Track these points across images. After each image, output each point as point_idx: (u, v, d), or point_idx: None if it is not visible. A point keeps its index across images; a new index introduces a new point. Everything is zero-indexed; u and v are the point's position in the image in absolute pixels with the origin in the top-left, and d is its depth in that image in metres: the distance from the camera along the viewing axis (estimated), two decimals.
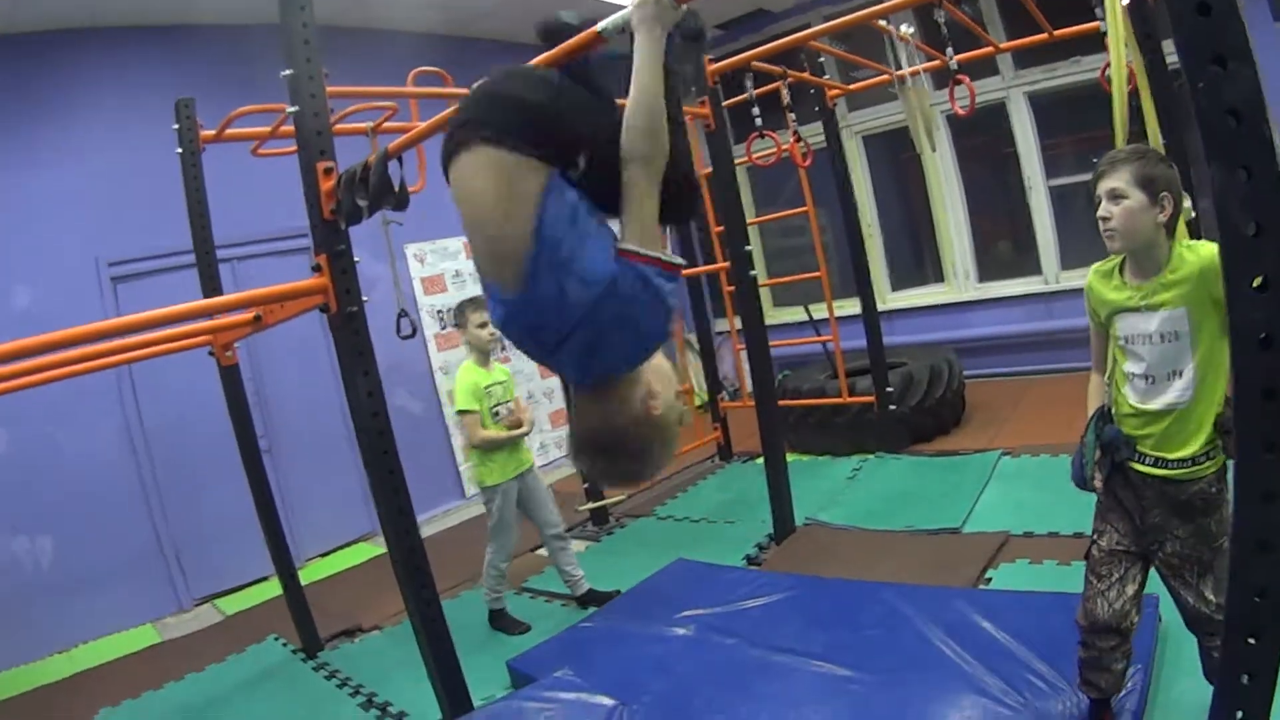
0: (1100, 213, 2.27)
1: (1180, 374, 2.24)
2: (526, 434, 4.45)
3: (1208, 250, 2.16)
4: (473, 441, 4.39)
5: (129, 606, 5.83)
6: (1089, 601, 2.48)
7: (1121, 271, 2.37)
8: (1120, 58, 2.73)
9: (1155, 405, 2.29)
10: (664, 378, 1.79)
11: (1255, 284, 1.40)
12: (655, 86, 1.68)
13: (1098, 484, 2.46)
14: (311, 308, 3.27)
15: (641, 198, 1.68)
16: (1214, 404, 2.24)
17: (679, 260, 1.70)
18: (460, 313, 4.48)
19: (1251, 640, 1.60)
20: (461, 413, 4.36)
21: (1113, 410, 2.44)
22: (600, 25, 1.97)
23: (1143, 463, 2.34)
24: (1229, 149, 1.36)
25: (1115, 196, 2.23)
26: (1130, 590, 2.42)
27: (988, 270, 8.12)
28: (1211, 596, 2.28)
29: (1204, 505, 2.27)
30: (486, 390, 4.38)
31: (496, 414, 4.40)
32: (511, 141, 1.68)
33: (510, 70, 1.91)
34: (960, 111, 4.58)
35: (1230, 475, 1.94)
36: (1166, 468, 2.29)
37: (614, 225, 1.77)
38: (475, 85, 1.87)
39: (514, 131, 1.69)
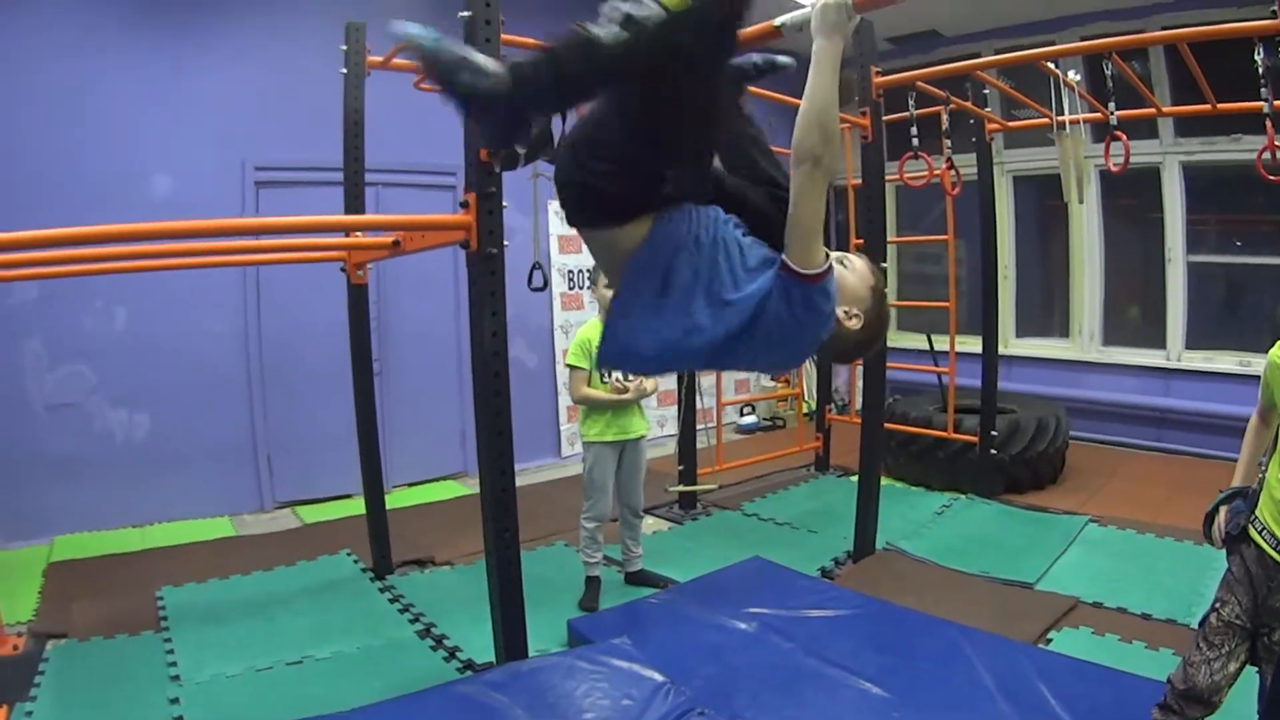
0: None
1: None
2: (629, 401, 4.41)
3: None
4: (573, 396, 4.45)
5: (211, 496, 6.06)
6: (1192, 666, 2.45)
7: None
8: None
9: None
10: (856, 292, 1.94)
11: None
12: (831, 92, 1.72)
13: (1216, 533, 2.46)
14: (451, 243, 3.34)
15: (807, 204, 1.74)
16: None
17: (828, 267, 1.79)
18: (596, 269, 4.51)
19: None
20: (569, 366, 4.40)
21: (1260, 490, 2.38)
22: (779, 21, 2.03)
23: (1278, 550, 2.29)
24: None
25: None
26: (1232, 667, 2.40)
27: (1113, 334, 7.92)
28: None
29: None
30: None
31: (604, 376, 4.40)
32: (605, 223, 1.87)
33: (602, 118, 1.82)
34: (1113, 168, 4.47)
35: None
36: None
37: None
38: (570, 133, 1.88)
39: (605, 214, 1.86)
